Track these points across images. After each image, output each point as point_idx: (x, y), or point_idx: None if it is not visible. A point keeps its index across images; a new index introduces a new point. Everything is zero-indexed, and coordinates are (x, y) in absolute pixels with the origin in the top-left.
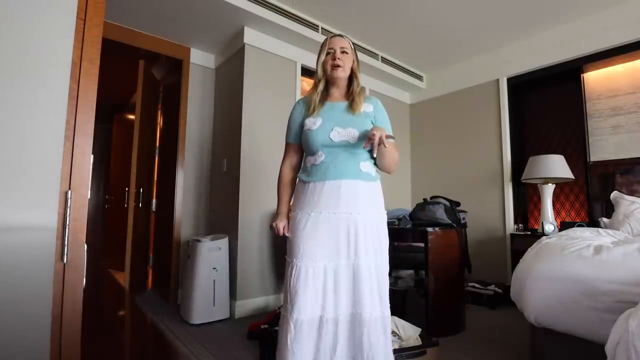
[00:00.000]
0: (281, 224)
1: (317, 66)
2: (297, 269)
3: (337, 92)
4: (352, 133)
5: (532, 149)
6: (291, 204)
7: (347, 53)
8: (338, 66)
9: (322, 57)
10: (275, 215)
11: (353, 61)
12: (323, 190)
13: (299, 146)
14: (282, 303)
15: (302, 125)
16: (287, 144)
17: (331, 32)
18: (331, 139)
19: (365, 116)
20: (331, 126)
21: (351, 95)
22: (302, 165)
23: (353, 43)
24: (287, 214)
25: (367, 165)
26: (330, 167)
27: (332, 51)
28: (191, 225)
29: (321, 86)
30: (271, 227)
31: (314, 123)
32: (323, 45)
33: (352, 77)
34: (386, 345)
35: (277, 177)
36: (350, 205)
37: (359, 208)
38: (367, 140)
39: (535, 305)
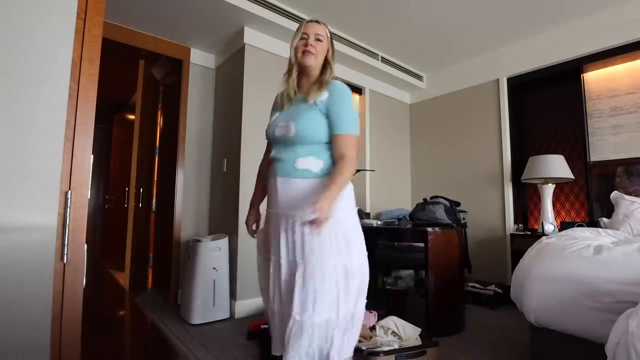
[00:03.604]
0: (250, 223)
1: (289, 52)
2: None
3: (307, 82)
4: (289, 127)
5: (532, 149)
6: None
7: (321, 41)
8: (309, 52)
9: (295, 42)
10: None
11: (328, 50)
12: (271, 186)
13: None
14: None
15: None
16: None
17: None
18: (274, 134)
19: (312, 106)
20: (279, 120)
21: (317, 84)
22: None
23: (334, 33)
24: (256, 208)
25: (305, 162)
26: (274, 163)
27: (306, 37)
28: (191, 225)
29: (294, 74)
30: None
31: (271, 118)
32: (298, 29)
33: (325, 67)
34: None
35: None
36: (285, 204)
37: (294, 207)
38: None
39: (535, 305)
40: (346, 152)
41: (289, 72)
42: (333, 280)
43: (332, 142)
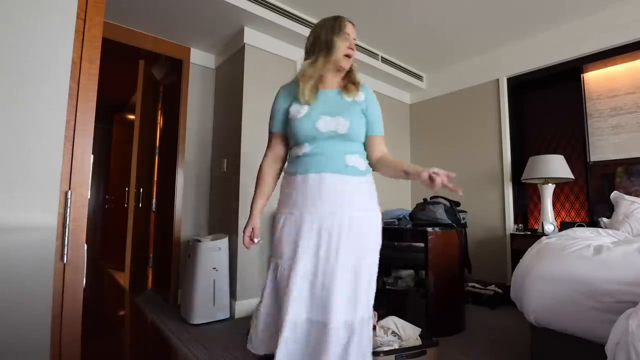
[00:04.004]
0: (247, 232)
1: (321, 41)
2: (281, 269)
3: (333, 78)
4: (341, 122)
5: (532, 149)
6: (278, 205)
7: (355, 46)
8: (352, 56)
9: (339, 41)
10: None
11: None
12: (306, 184)
13: (285, 135)
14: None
15: (287, 112)
16: (270, 134)
17: None
18: (317, 129)
19: (355, 104)
20: (318, 114)
21: (349, 82)
22: (288, 157)
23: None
24: (257, 215)
25: (354, 159)
26: (314, 159)
27: (348, 37)
28: (191, 225)
29: (322, 65)
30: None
31: (298, 111)
32: (340, 24)
33: (352, 67)
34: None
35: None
36: (333, 201)
37: (343, 205)
38: (429, 182)
39: (535, 305)
40: (386, 150)
41: (316, 64)
42: (367, 279)
43: (369, 141)
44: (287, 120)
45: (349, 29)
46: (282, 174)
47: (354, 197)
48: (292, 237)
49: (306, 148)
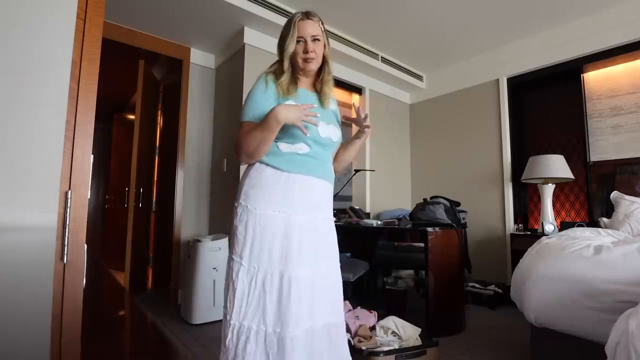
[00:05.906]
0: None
1: (279, 49)
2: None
3: (306, 79)
4: (334, 131)
5: (532, 148)
6: (251, 199)
7: (319, 40)
8: (312, 59)
9: (290, 43)
10: (270, 116)
11: (325, 46)
12: (311, 187)
13: None
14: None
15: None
16: (249, 123)
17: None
18: (319, 133)
19: (334, 114)
20: (318, 119)
21: (320, 84)
22: (269, 149)
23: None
24: None
25: (332, 167)
26: (316, 162)
27: (303, 40)
28: (191, 225)
29: (287, 75)
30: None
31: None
32: (291, 27)
33: (323, 66)
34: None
35: (244, 147)
36: (328, 209)
37: (325, 211)
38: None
39: (535, 305)
40: None
41: (280, 73)
42: (340, 286)
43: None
44: None
45: (304, 29)
46: (257, 164)
47: (330, 204)
48: (289, 241)
49: (304, 148)
